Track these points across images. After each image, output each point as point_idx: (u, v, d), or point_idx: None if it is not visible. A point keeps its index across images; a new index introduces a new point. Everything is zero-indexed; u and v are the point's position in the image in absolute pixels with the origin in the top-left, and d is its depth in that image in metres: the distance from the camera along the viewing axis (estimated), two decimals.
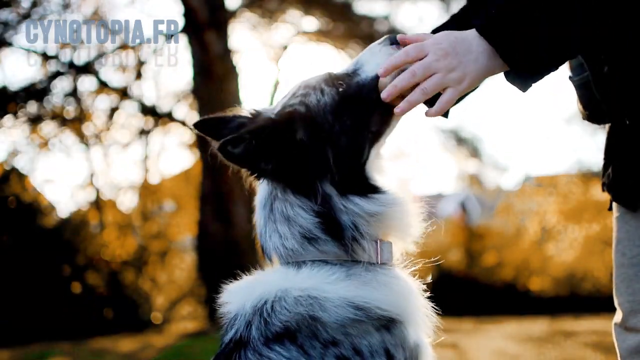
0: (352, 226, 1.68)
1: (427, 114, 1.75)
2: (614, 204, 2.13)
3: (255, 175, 1.76)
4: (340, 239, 1.68)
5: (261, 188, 1.83)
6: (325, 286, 1.65)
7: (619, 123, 1.94)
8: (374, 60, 1.81)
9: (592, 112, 2.00)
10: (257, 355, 1.60)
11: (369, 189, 1.73)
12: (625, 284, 2.04)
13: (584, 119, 2.11)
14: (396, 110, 1.71)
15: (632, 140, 1.93)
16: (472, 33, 1.70)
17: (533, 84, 1.72)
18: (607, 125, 2.12)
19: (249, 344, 1.63)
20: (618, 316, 2.08)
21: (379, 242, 1.73)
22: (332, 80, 1.79)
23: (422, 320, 1.75)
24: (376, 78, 1.76)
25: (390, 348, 1.64)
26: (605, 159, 2.10)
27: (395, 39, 1.81)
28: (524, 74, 1.70)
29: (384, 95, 1.72)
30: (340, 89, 1.77)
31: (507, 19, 1.67)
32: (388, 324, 1.65)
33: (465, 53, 1.68)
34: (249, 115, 1.87)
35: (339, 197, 1.70)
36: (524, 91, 1.73)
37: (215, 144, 1.68)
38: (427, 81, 1.68)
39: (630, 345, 2.01)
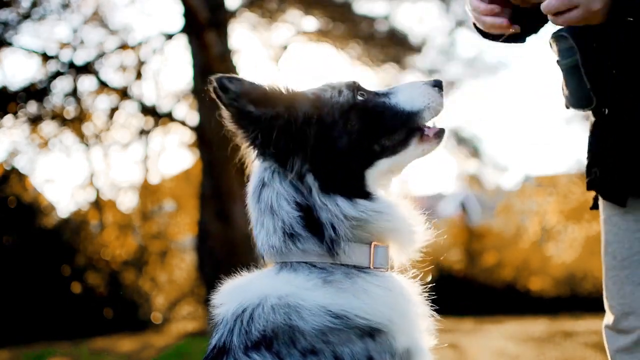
0: (329, 225, 1.66)
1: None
2: (601, 205, 2.12)
3: (235, 115, 1.73)
4: (321, 236, 1.66)
5: (253, 175, 1.82)
6: (302, 293, 1.63)
7: (604, 108, 1.94)
8: (410, 91, 1.83)
9: (579, 97, 1.99)
10: None
11: (358, 194, 1.70)
12: (617, 286, 2.04)
13: (567, 105, 2.09)
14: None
15: (619, 132, 1.93)
16: None
17: None
18: (590, 121, 2.11)
19: (231, 351, 1.62)
20: (609, 319, 2.08)
21: (372, 245, 1.71)
22: (355, 87, 1.81)
23: (415, 325, 1.70)
24: (411, 112, 1.79)
25: (375, 356, 1.60)
26: (589, 155, 2.08)
27: (440, 84, 1.85)
28: None
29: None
30: (359, 98, 1.79)
31: None
32: (372, 331, 1.61)
33: None
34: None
35: (320, 192, 1.68)
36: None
37: (216, 76, 1.72)
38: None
39: (621, 347, 2.02)
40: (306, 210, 1.68)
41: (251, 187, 1.81)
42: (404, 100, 1.81)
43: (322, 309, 1.60)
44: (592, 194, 2.21)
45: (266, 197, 1.74)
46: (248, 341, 1.61)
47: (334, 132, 1.73)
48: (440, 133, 1.83)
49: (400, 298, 1.71)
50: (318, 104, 1.76)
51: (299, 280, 1.66)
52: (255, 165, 1.84)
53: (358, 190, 1.70)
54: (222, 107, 1.76)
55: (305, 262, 1.69)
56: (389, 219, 1.71)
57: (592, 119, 2.08)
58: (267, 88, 1.76)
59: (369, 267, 1.70)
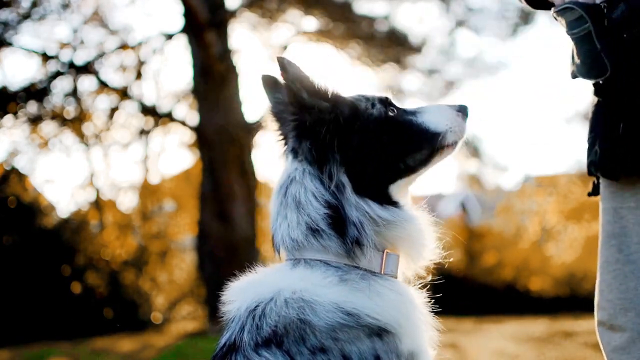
0: (358, 224, 1.69)
1: None
2: (606, 195, 2.05)
3: (289, 96, 1.76)
4: (344, 236, 1.69)
5: (282, 171, 1.85)
6: (317, 289, 1.65)
7: (619, 74, 1.90)
8: (436, 113, 1.90)
9: (591, 66, 1.96)
10: None
11: (386, 201, 1.76)
12: (619, 280, 1.99)
13: (575, 74, 2.05)
14: None
15: (630, 100, 1.89)
16: None
17: None
18: (593, 103, 2.07)
19: (240, 349, 1.63)
20: (602, 315, 2.04)
21: (385, 252, 1.75)
22: (387, 102, 1.87)
23: (420, 331, 1.74)
24: (435, 132, 1.86)
25: (382, 355, 1.62)
26: (591, 137, 2.04)
27: (465, 110, 1.93)
28: None
29: None
30: (391, 113, 1.85)
31: None
32: (380, 331, 1.64)
33: None
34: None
35: (353, 191, 1.72)
36: None
37: (280, 55, 1.75)
38: None
39: (617, 346, 1.98)
40: (334, 209, 1.71)
41: (278, 182, 1.83)
42: (429, 121, 1.88)
43: (335, 306, 1.62)
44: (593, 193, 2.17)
45: (294, 191, 1.76)
46: (259, 337, 1.61)
47: (369, 141, 1.79)
48: (454, 142, 1.93)
49: (409, 303, 1.75)
50: (356, 112, 1.82)
51: (315, 277, 1.68)
52: (284, 162, 1.87)
53: (386, 198, 1.76)
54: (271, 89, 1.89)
55: (320, 260, 1.71)
56: (411, 229, 1.77)
57: (596, 99, 2.04)
58: (316, 82, 1.80)
59: (380, 273, 1.73)
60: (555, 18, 2.02)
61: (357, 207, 1.71)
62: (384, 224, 1.72)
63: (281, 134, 1.91)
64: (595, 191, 2.14)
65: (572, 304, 15.37)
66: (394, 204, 1.77)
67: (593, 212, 16.60)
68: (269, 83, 1.96)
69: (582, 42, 1.95)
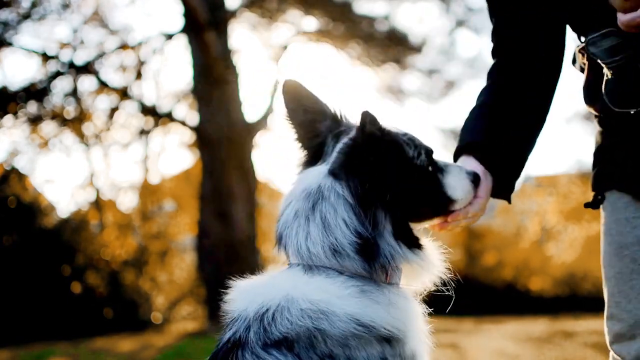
0: (389, 256, 1.71)
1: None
2: (617, 205, 2.03)
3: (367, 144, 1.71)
4: (371, 261, 1.69)
5: (307, 176, 1.80)
6: (336, 301, 1.64)
7: None
8: (456, 180, 1.95)
9: (632, 96, 1.92)
10: (255, 357, 1.59)
11: (415, 245, 1.79)
12: (637, 291, 1.97)
13: (607, 108, 1.99)
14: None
15: None
16: None
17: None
18: (598, 128, 2.06)
19: (247, 345, 1.61)
20: (621, 327, 2.00)
21: None
22: (430, 155, 1.89)
23: (420, 332, 1.77)
24: (449, 199, 1.92)
25: (389, 358, 1.64)
26: (602, 156, 2.05)
27: (478, 180, 2.01)
28: None
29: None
30: (430, 169, 1.88)
31: None
32: (390, 339, 1.65)
33: None
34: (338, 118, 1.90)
35: (392, 235, 1.73)
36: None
37: (367, 113, 1.68)
38: None
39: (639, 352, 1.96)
40: (365, 240, 1.69)
41: (302, 188, 1.78)
42: (449, 185, 1.92)
43: (350, 317, 1.62)
44: (592, 196, 2.15)
45: (324, 210, 1.72)
46: (267, 339, 1.60)
47: (411, 190, 1.80)
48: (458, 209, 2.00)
49: (415, 310, 1.79)
50: (403, 158, 1.81)
51: (334, 288, 1.66)
52: (309, 169, 1.83)
53: (415, 242, 1.80)
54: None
55: (334, 269, 1.69)
56: (428, 265, 1.82)
57: (609, 121, 2.03)
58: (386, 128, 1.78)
59: (386, 282, 1.74)
60: (587, 48, 1.98)
61: (392, 246, 1.72)
62: (410, 264, 1.77)
63: (301, 142, 1.88)
64: (595, 204, 2.13)
65: (572, 304, 15.39)
66: (420, 246, 1.81)
67: (593, 212, 16.52)
68: (292, 89, 1.87)
69: (624, 70, 1.91)
